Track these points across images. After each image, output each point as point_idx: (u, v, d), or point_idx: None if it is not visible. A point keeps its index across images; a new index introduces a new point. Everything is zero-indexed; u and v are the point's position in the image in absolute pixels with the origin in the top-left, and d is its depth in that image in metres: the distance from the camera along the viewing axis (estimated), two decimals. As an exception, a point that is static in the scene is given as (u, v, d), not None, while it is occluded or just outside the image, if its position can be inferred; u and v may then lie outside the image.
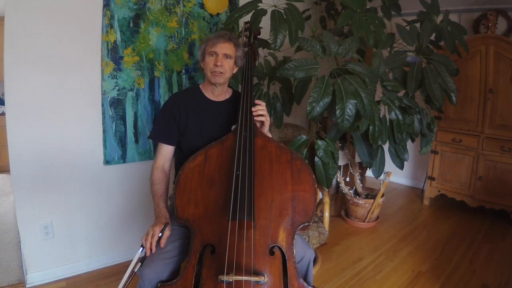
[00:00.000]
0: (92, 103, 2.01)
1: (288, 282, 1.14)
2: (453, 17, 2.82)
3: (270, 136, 1.47)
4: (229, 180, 1.21)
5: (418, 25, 2.27)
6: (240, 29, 2.19)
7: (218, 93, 1.51)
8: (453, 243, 2.60)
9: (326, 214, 1.90)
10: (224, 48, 1.41)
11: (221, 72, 1.41)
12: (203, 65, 1.46)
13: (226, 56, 1.42)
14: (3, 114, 3.56)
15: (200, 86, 1.54)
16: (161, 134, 1.48)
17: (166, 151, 1.48)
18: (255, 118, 1.39)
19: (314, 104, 1.72)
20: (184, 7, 2.23)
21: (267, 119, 1.41)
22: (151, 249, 1.22)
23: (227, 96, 1.55)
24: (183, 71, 2.28)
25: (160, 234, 1.25)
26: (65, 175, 1.99)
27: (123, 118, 2.10)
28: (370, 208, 2.81)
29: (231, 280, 1.04)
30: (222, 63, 1.40)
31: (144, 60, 2.12)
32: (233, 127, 1.49)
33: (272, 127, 2.16)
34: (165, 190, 1.43)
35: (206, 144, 1.35)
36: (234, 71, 1.50)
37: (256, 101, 1.40)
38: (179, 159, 1.54)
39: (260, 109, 1.39)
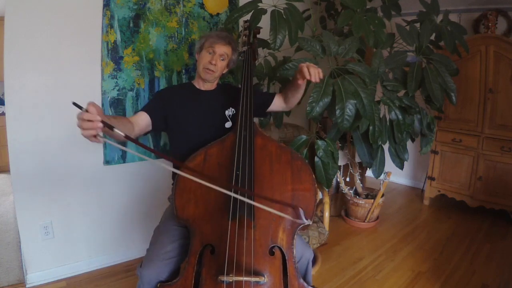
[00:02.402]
0: (92, 103, 2.01)
1: (288, 282, 1.14)
2: (453, 17, 2.81)
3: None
4: (229, 179, 1.21)
5: (418, 25, 2.27)
6: (240, 28, 2.19)
7: (207, 86, 1.58)
8: (453, 243, 2.60)
9: (326, 214, 1.90)
10: (222, 49, 1.49)
11: (212, 71, 1.49)
12: (198, 57, 1.54)
13: (222, 57, 1.50)
14: (3, 114, 3.56)
15: (192, 81, 1.62)
16: (145, 108, 1.48)
17: (143, 116, 1.43)
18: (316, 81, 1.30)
19: (314, 104, 1.72)
20: (184, 7, 2.23)
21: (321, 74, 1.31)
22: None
23: (215, 86, 1.62)
24: (183, 71, 2.28)
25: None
26: (65, 175, 1.99)
27: (123, 118, 2.10)
28: (370, 208, 2.81)
29: (231, 280, 1.04)
30: (217, 62, 1.48)
31: (144, 60, 2.12)
32: (227, 111, 1.55)
33: (271, 127, 2.17)
34: (118, 117, 1.32)
35: (201, 130, 1.43)
36: (224, 71, 1.58)
37: (303, 65, 1.30)
38: (175, 150, 1.57)
39: (312, 72, 1.29)
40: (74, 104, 0.93)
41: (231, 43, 1.52)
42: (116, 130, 0.95)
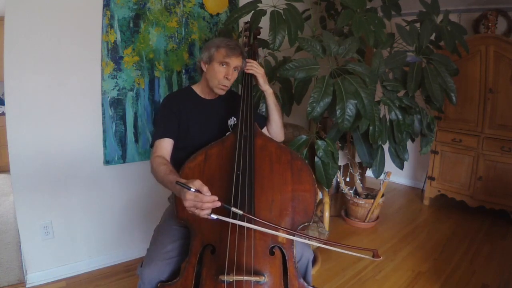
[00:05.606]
0: (92, 103, 2.01)
1: (288, 282, 1.14)
2: (453, 17, 2.82)
3: (271, 89, 1.57)
4: (230, 180, 1.21)
5: (418, 25, 2.27)
6: (240, 29, 2.20)
7: (212, 96, 1.54)
8: (453, 243, 2.60)
9: (326, 214, 1.90)
10: (236, 62, 1.43)
11: (227, 86, 1.45)
12: (206, 68, 1.46)
13: (235, 69, 1.45)
14: (3, 114, 3.56)
15: (192, 87, 1.56)
16: (164, 131, 1.41)
17: (167, 144, 1.40)
18: (249, 72, 1.50)
19: (314, 104, 1.72)
20: (184, 7, 2.23)
21: (257, 72, 1.50)
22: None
23: (217, 95, 1.58)
24: (183, 71, 2.28)
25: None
26: (65, 175, 1.99)
27: (123, 118, 2.10)
28: (370, 208, 2.81)
29: (231, 280, 1.04)
30: (232, 77, 1.44)
31: (144, 60, 2.12)
32: (229, 121, 1.53)
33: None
34: (172, 169, 1.25)
35: (207, 141, 1.36)
36: None
37: (247, 60, 1.51)
38: (178, 160, 1.53)
39: (250, 66, 1.50)
40: (179, 183, 0.98)
41: (242, 54, 1.45)
42: (233, 209, 1.02)
